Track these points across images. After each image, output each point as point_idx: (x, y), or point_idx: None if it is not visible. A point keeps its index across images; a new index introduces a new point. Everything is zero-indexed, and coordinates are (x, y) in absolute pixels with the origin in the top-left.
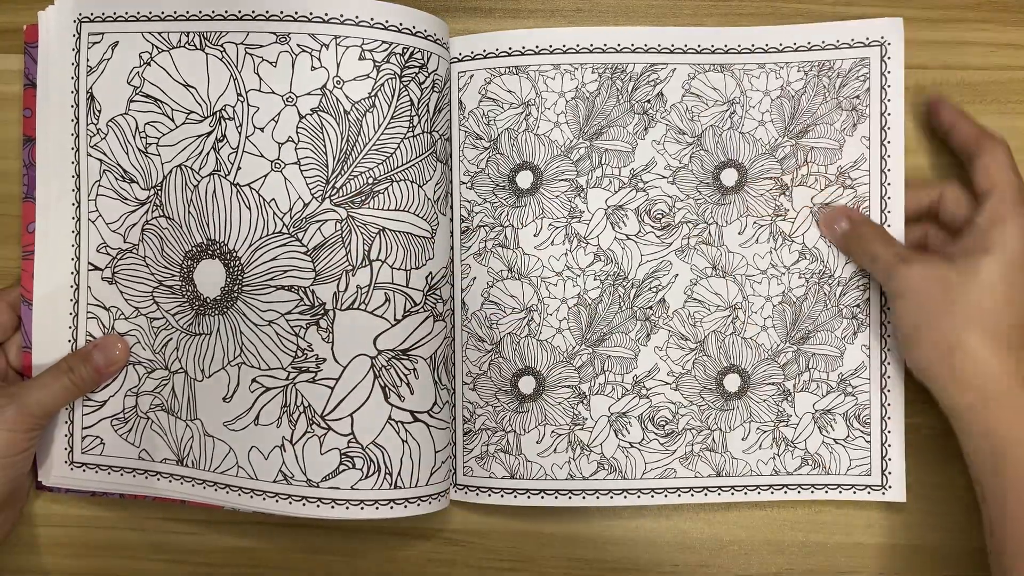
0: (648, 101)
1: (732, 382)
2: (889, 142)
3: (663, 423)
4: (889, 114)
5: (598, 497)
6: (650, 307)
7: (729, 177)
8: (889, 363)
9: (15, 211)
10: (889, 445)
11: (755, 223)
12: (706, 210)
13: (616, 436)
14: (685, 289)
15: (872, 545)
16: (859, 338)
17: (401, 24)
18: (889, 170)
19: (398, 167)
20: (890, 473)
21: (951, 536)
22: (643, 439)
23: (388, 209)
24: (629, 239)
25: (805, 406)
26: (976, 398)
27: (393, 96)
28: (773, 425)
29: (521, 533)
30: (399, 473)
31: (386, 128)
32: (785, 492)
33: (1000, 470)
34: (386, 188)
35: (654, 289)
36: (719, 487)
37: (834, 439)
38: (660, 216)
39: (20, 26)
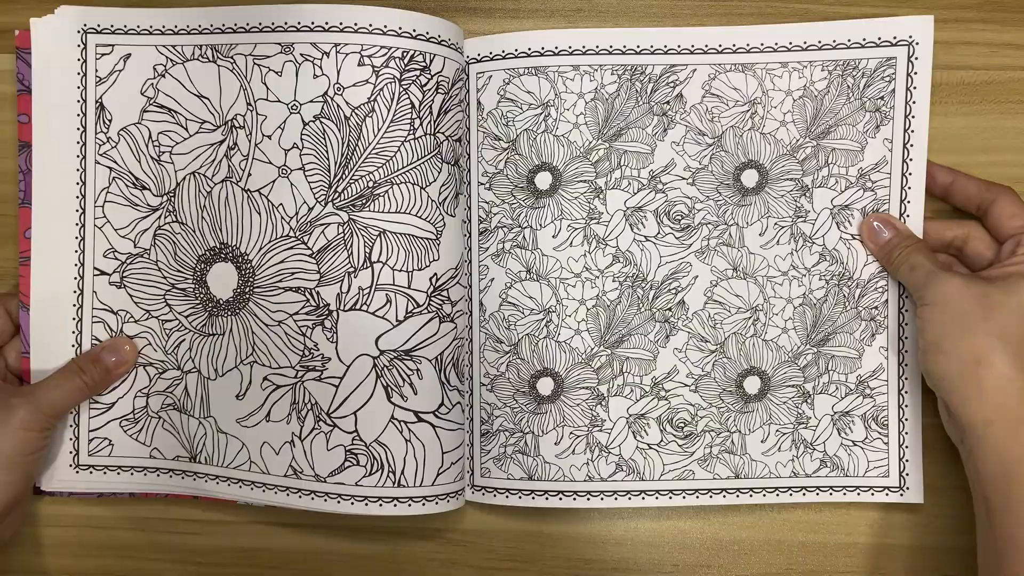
0: (667, 103)
1: (752, 384)
2: (912, 145)
3: (682, 425)
4: (914, 116)
5: (616, 499)
6: (669, 309)
7: (750, 178)
8: (907, 365)
9: (13, 211)
10: (907, 447)
11: (776, 224)
12: (726, 211)
13: (634, 438)
14: (705, 291)
15: (872, 545)
16: (877, 340)
17: (400, 28)
18: (911, 174)
19: (398, 170)
20: (908, 475)
21: (950, 536)
22: (661, 441)
23: (389, 211)
24: (648, 240)
25: (824, 408)
26: (995, 415)
27: (392, 100)
28: (792, 427)
29: (521, 533)
30: (403, 472)
31: (385, 132)
32: (804, 494)
33: (1010, 490)
34: (386, 191)
35: (673, 291)
36: (737, 489)
37: (852, 441)
38: (679, 218)
39: (13, 27)
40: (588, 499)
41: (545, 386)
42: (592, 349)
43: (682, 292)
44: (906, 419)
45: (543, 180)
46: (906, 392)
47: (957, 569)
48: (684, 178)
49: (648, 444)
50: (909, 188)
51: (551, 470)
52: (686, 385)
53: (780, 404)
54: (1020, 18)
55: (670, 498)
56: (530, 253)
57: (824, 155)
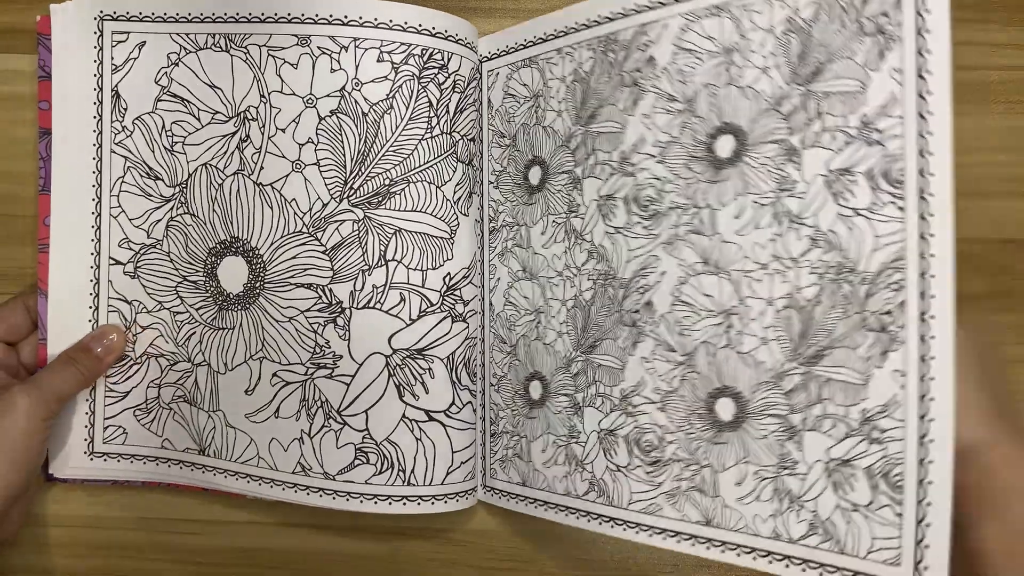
0: (638, 69)
1: (725, 408)
2: (930, 72)
3: (648, 448)
4: (929, 31)
5: (588, 520)
6: (636, 311)
7: (724, 146)
8: (934, 399)
9: (25, 211)
10: (928, 524)
11: (755, 203)
12: (696, 191)
13: (605, 456)
14: (672, 290)
15: None
16: (890, 360)
17: (420, 25)
18: (931, 113)
19: (415, 168)
20: (926, 568)
21: None
22: (629, 463)
23: (404, 210)
24: (618, 232)
25: (816, 451)
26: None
27: (411, 97)
28: (775, 471)
29: (521, 533)
30: (412, 470)
31: (403, 129)
32: (787, 566)
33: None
34: (403, 189)
35: (641, 290)
36: (708, 539)
37: (853, 503)
38: (647, 203)
39: (22, 26)
40: (566, 515)
41: (535, 390)
42: (571, 353)
43: (649, 291)
44: (929, 481)
45: (535, 175)
46: (931, 441)
47: None
48: (652, 156)
49: (617, 465)
50: (930, 134)
51: (539, 478)
52: (653, 402)
53: (759, 438)
54: (1020, 18)
55: (636, 532)
56: (525, 251)
57: (815, 103)
